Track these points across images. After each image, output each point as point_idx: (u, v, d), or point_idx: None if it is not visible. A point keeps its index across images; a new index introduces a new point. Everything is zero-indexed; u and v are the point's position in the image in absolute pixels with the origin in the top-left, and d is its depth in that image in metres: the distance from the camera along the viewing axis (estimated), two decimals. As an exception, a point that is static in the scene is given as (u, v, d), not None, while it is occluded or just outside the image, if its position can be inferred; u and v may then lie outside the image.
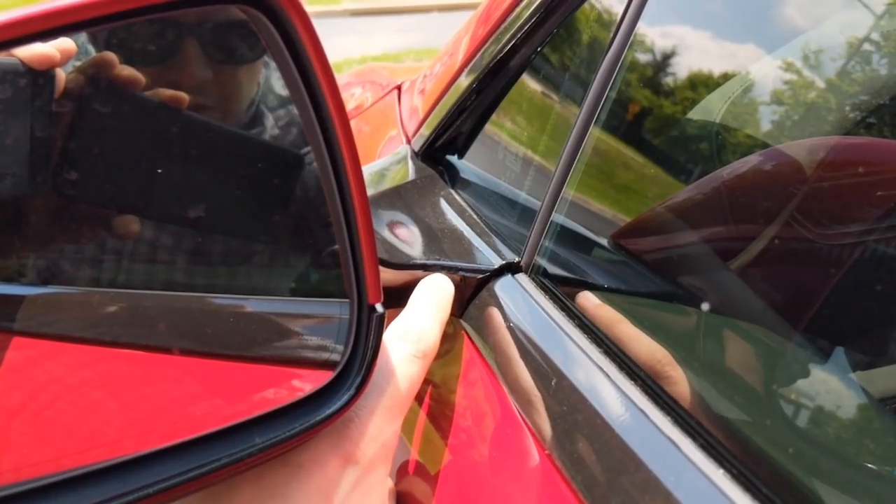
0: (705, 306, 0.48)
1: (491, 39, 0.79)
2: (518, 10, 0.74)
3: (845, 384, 0.44)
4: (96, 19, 0.36)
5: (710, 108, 0.53)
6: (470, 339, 0.60)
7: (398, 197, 0.76)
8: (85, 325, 0.48)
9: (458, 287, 0.60)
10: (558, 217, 0.58)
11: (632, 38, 0.56)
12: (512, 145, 0.77)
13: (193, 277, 0.50)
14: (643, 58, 0.57)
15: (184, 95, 0.44)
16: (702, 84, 0.54)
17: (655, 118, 0.57)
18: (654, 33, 0.57)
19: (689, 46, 0.55)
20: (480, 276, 0.61)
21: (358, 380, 0.45)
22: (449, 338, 0.61)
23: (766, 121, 0.52)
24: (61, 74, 0.41)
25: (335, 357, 0.46)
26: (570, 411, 0.46)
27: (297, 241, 0.51)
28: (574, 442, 0.44)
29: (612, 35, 0.58)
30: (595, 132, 0.57)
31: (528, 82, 0.77)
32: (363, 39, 6.97)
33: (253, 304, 0.52)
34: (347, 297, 0.46)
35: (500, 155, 0.79)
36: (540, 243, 0.59)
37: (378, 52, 6.33)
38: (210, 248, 0.48)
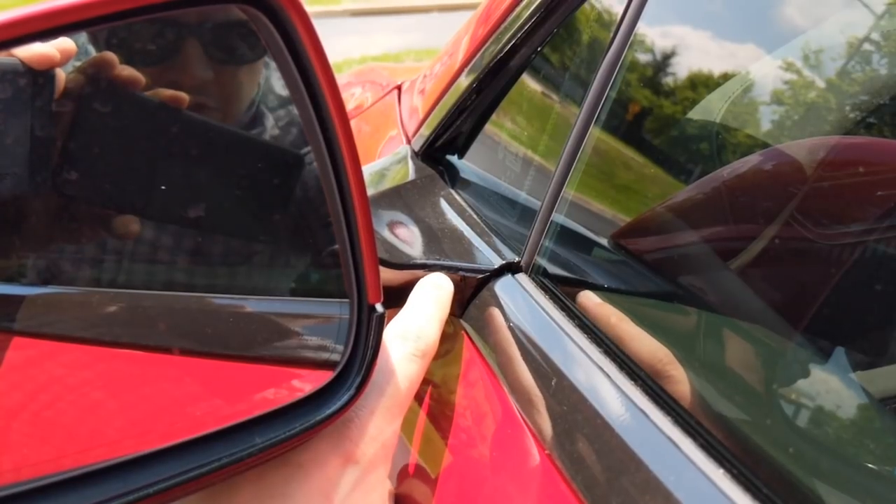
0: (705, 306, 0.48)
1: (491, 39, 0.79)
2: (518, 10, 0.74)
3: (845, 384, 0.44)
4: (96, 19, 0.36)
5: (710, 108, 0.53)
6: (470, 339, 0.60)
7: (398, 197, 0.76)
8: (85, 326, 0.48)
9: (459, 287, 0.60)
10: (558, 217, 0.58)
11: (632, 38, 0.56)
12: (512, 145, 0.77)
13: (193, 277, 0.50)
14: (643, 58, 0.57)
15: (184, 95, 0.44)
16: (702, 84, 0.54)
17: (655, 118, 0.57)
18: (654, 33, 0.57)
19: (689, 46, 0.55)
20: (480, 275, 0.61)
21: (358, 380, 0.45)
22: (449, 338, 0.61)
23: (766, 121, 0.52)
24: (61, 74, 0.41)
25: (335, 357, 0.46)
26: (571, 411, 0.46)
27: (297, 241, 0.51)
28: (574, 442, 0.44)
29: (612, 35, 0.58)
30: (595, 132, 0.57)
31: (528, 82, 0.77)
32: (363, 39, 6.97)
33: (253, 304, 0.52)
34: (347, 296, 0.46)
35: (500, 155, 0.79)
36: (540, 243, 0.59)
37: (378, 53, 6.33)
38: (210, 248, 0.48)
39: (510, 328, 0.55)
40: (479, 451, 0.54)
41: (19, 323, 0.46)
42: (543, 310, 0.55)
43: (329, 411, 0.44)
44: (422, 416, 0.62)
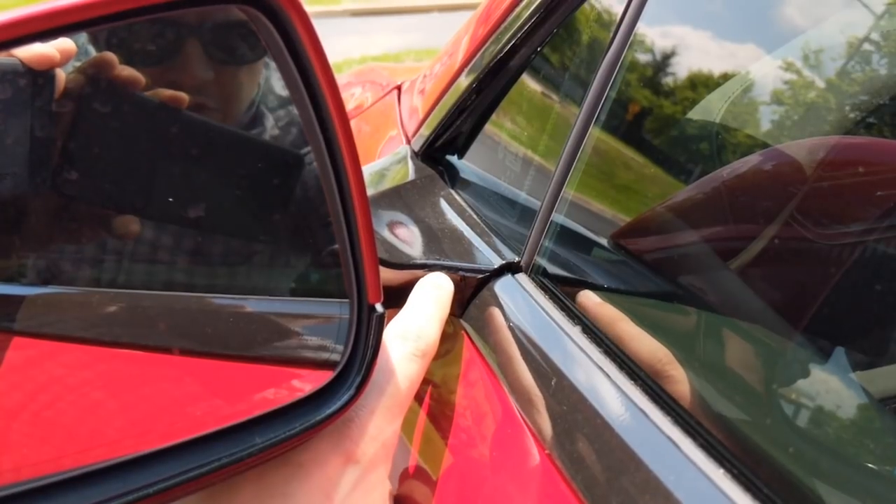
0: (705, 306, 0.48)
1: (491, 39, 0.79)
2: (518, 9, 0.74)
3: (845, 384, 0.44)
4: (96, 19, 0.36)
5: (710, 108, 0.53)
6: (470, 339, 0.60)
7: (398, 197, 0.76)
8: (85, 326, 0.48)
9: (458, 287, 0.60)
10: (558, 217, 0.58)
11: (632, 38, 0.56)
12: (512, 145, 0.77)
13: (193, 277, 0.50)
14: (643, 58, 0.57)
15: (184, 95, 0.44)
16: (702, 84, 0.54)
17: (655, 118, 0.57)
18: (654, 33, 0.57)
19: (689, 46, 0.55)
20: (480, 275, 0.61)
21: (358, 379, 0.45)
22: (449, 338, 0.61)
23: (765, 121, 0.52)
24: (61, 74, 0.41)
25: (335, 357, 0.46)
26: (571, 411, 0.46)
27: (297, 240, 0.51)
28: (574, 442, 0.44)
29: (611, 35, 0.58)
30: (595, 132, 0.57)
31: (528, 82, 0.77)
32: (363, 39, 6.97)
33: (253, 304, 0.52)
34: (347, 296, 0.46)
35: (500, 155, 0.79)
36: (540, 243, 0.59)
37: (378, 53, 6.33)
38: (210, 248, 0.48)
39: (510, 328, 0.55)
40: (479, 450, 0.54)
41: (19, 323, 0.46)
42: (543, 310, 0.55)
43: (329, 411, 0.44)
44: (422, 416, 0.62)
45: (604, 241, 0.58)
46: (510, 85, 0.78)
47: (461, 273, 0.61)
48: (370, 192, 0.68)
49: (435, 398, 0.62)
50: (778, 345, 0.45)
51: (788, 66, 0.49)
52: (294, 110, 0.44)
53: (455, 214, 0.71)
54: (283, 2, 0.40)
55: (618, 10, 0.59)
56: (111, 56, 0.42)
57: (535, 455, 0.47)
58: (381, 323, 0.46)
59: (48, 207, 0.42)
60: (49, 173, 0.41)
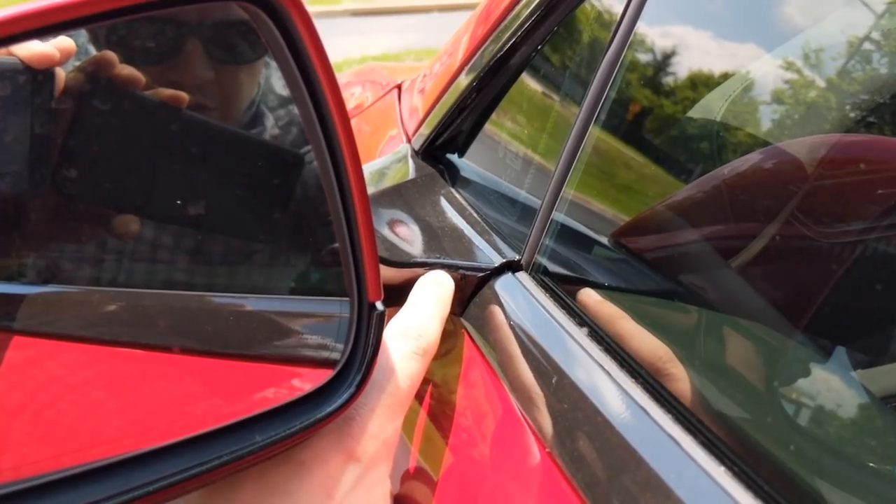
0: (706, 304, 0.48)
1: (491, 38, 0.79)
2: (518, 9, 0.74)
3: (846, 382, 0.44)
4: (95, 16, 0.36)
5: (711, 108, 0.53)
6: (470, 337, 0.60)
7: (398, 195, 0.76)
8: (85, 325, 0.48)
9: (459, 286, 0.60)
10: (559, 215, 0.58)
11: (632, 37, 0.56)
12: (512, 144, 0.77)
13: (193, 276, 0.50)
14: (643, 57, 0.57)
15: (184, 95, 0.44)
16: (702, 83, 0.54)
17: (655, 117, 0.57)
18: (654, 33, 0.57)
19: (689, 46, 0.55)
20: (481, 274, 0.61)
21: (358, 378, 0.45)
22: (449, 336, 0.61)
23: (766, 119, 0.52)
24: (61, 73, 0.41)
25: (335, 355, 0.46)
26: (571, 409, 0.46)
27: (298, 239, 0.51)
28: (575, 440, 0.44)
29: (611, 34, 0.58)
30: (595, 131, 0.57)
31: (528, 81, 0.77)
32: (363, 39, 6.97)
33: (253, 303, 0.52)
34: (348, 295, 0.46)
35: (500, 154, 0.79)
36: (540, 242, 0.59)
37: (378, 52, 6.33)
38: (210, 247, 0.48)
39: (511, 326, 0.55)
40: (479, 449, 0.54)
41: (19, 322, 0.46)
42: (544, 308, 0.55)
43: (329, 409, 0.44)
44: (422, 415, 0.62)
45: (604, 240, 0.58)
46: (510, 84, 0.78)
47: (461, 271, 0.61)
48: (370, 190, 0.68)
49: (435, 397, 0.62)
50: (779, 343, 0.45)
51: (789, 65, 0.49)
52: (294, 109, 0.44)
53: (455, 213, 0.71)
54: (284, 0, 0.40)
55: (618, 9, 0.59)
56: (111, 55, 0.42)
57: (536, 453, 0.47)
58: (381, 321, 0.46)
59: (48, 206, 0.42)
60: (49, 172, 0.41)
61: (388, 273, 0.59)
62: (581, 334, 0.50)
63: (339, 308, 0.47)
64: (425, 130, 0.87)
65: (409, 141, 0.93)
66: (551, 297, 0.56)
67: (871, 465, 0.40)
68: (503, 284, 0.60)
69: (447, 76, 0.87)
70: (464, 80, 0.82)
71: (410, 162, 0.86)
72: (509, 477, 0.49)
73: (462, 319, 0.61)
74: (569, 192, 0.58)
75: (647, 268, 0.55)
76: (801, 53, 0.48)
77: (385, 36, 7.23)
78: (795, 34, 0.49)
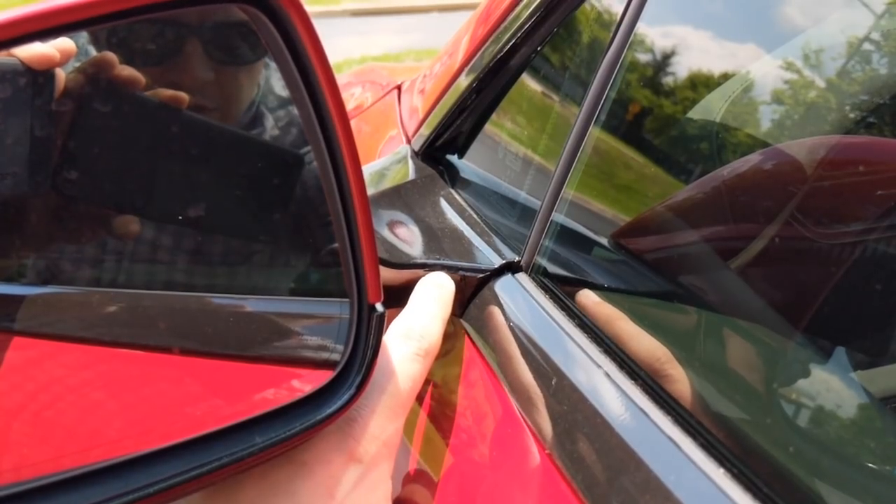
0: (706, 305, 0.48)
1: (491, 39, 0.79)
2: (518, 9, 0.74)
3: (846, 383, 0.44)
4: (96, 18, 0.36)
5: (710, 108, 0.53)
6: (470, 338, 0.60)
7: (398, 196, 0.76)
8: (85, 325, 0.48)
9: (459, 287, 0.60)
10: (558, 216, 0.58)
11: (632, 37, 0.56)
12: (512, 145, 0.77)
13: (193, 277, 0.50)
14: (643, 58, 0.57)
15: (184, 95, 0.44)
16: (702, 84, 0.54)
17: (655, 118, 0.57)
18: (654, 33, 0.57)
19: (689, 46, 0.55)
20: (481, 275, 0.61)
21: (358, 379, 0.45)
22: (449, 338, 0.61)
23: (766, 120, 0.52)
24: (61, 74, 0.41)
25: (335, 357, 0.46)
26: (571, 410, 0.46)
27: (297, 240, 0.51)
28: (574, 441, 0.44)
29: (611, 35, 0.58)
30: (595, 132, 0.57)
31: (528, 82, 0.77)
32: (363, 39, 6.97)
33: (253, 304, 0.52)
34: (347, 296, 0.46)
35: (500, 154, 0.79)
36: (540, 243, 0.59)
37: (378, 53, 6.33)
38: (210, 248, 0.48)
39: (510, 328, 0.55)
40: (479, 450, 0.54)
41: (19, 323, 0.46)
42: (543, 309, 0.55)
43: (329, 411, 0.44)
44: (422, 416, 0.62)
45: (604, 241, 0.58)
46: (510, 85, 0.78)
47: (461, 273, 0.61)
48: (370, 191, 0.68)
49: (435, 398, 0.62)
50: (778, 344, 0.45)
51: (788, 66, 0.49)
52: (294, 110, 0.44)
53: (455, 214, 0.72)
54: (283, 1, 0.40)
55: (618, 9, 0.59)
56: (111, 56, 0.42)
57: (536, 455, 0.47)
58: (381, 322, 0.46)
59: (48, 207, 0.42)
60: (49, 173, 0.41)
61: (387, 274, 0.59)
62: (581, 336, 0.50)
63: (339, 309, 0.47)
64: (425, 131, 0.87)
65: (408, 142, 0.93)
66: (551, 298, 0.56)
67: (870, 466, 0.40)
68: (503, 286, 0.60)
69: (447, 77, 0.87)
70: (464, 81, 0.82)
71: (410, 163, 0.86)
72: (509, 478, 0.49)
73: (462, 320, 0.61)
74: (569, 192, 0.58)
75: (647, 269, 0.55)
76: (801, 54, 0.48)
77: (385, 36, 7.23)
78: (795, 35, 0.49)
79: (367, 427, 0.46)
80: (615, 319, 0.51)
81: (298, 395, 0.45)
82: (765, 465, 0.38)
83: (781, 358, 0.45)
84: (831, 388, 0.43)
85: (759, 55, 0.52)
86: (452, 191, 0.77)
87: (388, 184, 0.82)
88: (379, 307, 0.46)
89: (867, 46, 0.46)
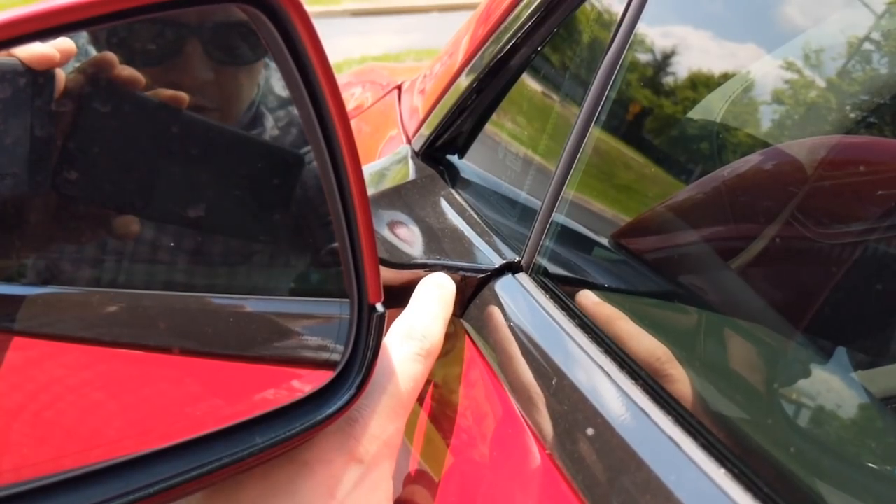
0: (706, 306, 0.48)
1: (491, 39, 0.79)
2: (518, 9, 0.74)
3: (846, 383, 0.44)
4: (96, 18, 0.36)
5: (711, 108, 0.53)
6: (471, 338, 0.60)
7: (398, 196, 0.76)
8: (85, 326, 0.48)
9: (459, 287, 0.60)
10: (559, 217, 0.58)
11: (632, 38, 0.56)
12: (512, 145, 0.77)
13: (193, 277, 0.50)
14: (643, 58, 0.57)
15: (184, 95, 0.44)
16: (702, 84, 0.54)
17: (656, 118, 0.57)
18: (654, 33, 0.57)
19: (690, 46, 0.55)
20: (481, 275, 0.61)
21: (359, 379, 0.45)
22: (450, 338, 0.61)
23: (766, 120, 0.52)
24: (61, 74, 0.41)
25: (335, 357, 0.46)
26: (571, 411, 0.46)
27: (298, 240, 0.51)
28: (575, 441, 0.44)
29: (612, 35, 0.58)
30: (595, 132, 0.57)
31: (529, 82, 0.77)
32: (363, 39, 6.97)
33: (253, 304, 0.52)
34: (348, 296, 0.46)
35: (500, 155, 0.79)
36: (540, 243, 0.59)
37: (378, 53, 6.33)
38: (210, 248, 0.48)
39: (511, 328, 0.55)
40: (480, 451, 0.54)
41: (19, 323, 0.46)
42: (544, 309, 0.55)
43: (329, 411, 0.44)
44: (423, 416, 0.62)
45: (604, 241, 0.58)
46: (510, 85, 0.78)
47: (462, 273, 0.61)
48: (370, 191, 0.68)
49: (436, 398, 0.62)
50: (779, 344, 0.45)
51: (789, 66, 0.48)
52: (294, 110, 0.44)
53: (455, 214, 0.71)
54: (283, 1, 0.40)
55: (618, 9, 0.59)
56: (111, 56, 0.42)
57: (536, 455, 0.47)
58: (381, 323, 0.46)
59: (48, 207, 0.42)
60: (49, 173, 0.41)
61: (388, 274, 0.59)
62: (581, 336, 0.50)
63: (339, 309, 0.47)
64: (425, 131, 0.87)
65: (409, 142, 0.93)
66: (551, 298, 0.56)
67: (871, 466, 0.40)
68: (503, 286, 0.60)
69: (447, 77, 0.87)
70: (464, 81, 0.82)
71: (410, 163, 0.86)
72: (509, 478, 0.49)
73: (462, 321, 0.61)
74: (569, 192, 0.58)
75: (648, 269, 0.55)
76: (802, 54, 0.48)
77: (385, 36, 7.23)
78: (796, 35, 0.49)
79: (368, 427, 0.46)
80: (615, 319, 0.51)
81: (299, 396, 0.45)
82: (765, 466, 0.38)
83: (782, 358, 0.45)
84: (832, 388, 0.43)
85: (760, 55, 0.52)
86: (453, 191, 0.77)
87: (388, 184, 0.82)
88: (379, 307, 0.46)
89: (867, 46, 0.46)
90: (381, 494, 0.47)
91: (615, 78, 0.56)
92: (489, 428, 0.54)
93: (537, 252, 0.60)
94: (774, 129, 0.50)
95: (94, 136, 0.42)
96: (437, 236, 0.67)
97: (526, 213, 0.66)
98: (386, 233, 0.68)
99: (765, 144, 0.50)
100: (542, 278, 0.59)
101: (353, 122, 0.62)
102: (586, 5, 0.68)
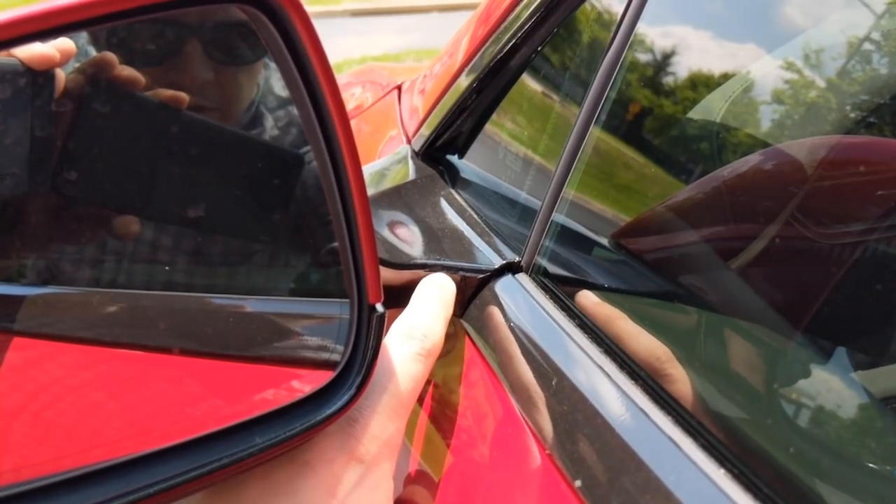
0: (706, 306, 0.48)
1: (491, 39, 0.79)
2: (518, 9, 0.74)
3: (846, 384, 0.44)
4: (96, 19, 0.36)
5: (711, 108, 0.53)
6: (471, 339, 0.60)
7: (398, 197, 0.76)
8: (85, 326, 0.48)
9: (459, 287, 0.60)
10: (559, 217, 0.58)
11: (632, 37, 0.56)
12: (512, 145, 0.77)
13: (193, 277, 0.50)
14: (643, 58, 0.57)
15: (184, 95, 0.44)
16: (702, 84, 0.54)
17: (656, 118, 0.57)
18: (654, 33, 0.57)
19: (690, 46, 0.55)
20: (481, 275, 0.61)
21: (358, 380, 0.45)
22: (450, 338, 0.61)
23: (766, 120, 0.52)
24: (61, 74, 0.41)
25: (335, 357, 0.46)
26: (571, 411, 0.46)
27: (297, 240, 0.51)
28: (575, 442, 0.44)
29: (612, 35, 0.57)
30: (595, 132, 0.57)
31: (529, 82, 0.77)
32: (363, 40, 6.97)
33: (253, 304, 0.52)
34: (347, 296, 0.46)
35: (500, 155, 0.79)
36: (540, 243, 0.59)
37: (378, 53, 6.33)
38: (210, 248, 0.48)
39: (511, 328, 0.55)
40: (480, 451, 0.54)
41: (19, 323, 0.46)
42: (544, 309, 0.55)
43: (329, 411, 0.44)
44: (423, 416, 0.62)
45: (604, 241, 0.58)
46: (510, 85, 0.78)
47: (462, 273, 0.61)
48: (370, 191, 0.68)
49: (436, 398, 0.62)
50: (779, 344, 0.45)
51: (789, 66, 0.48)
52: (293, 110, 0.44)
53: (455, 214, 0.71)
54: (283, 1, 0.40)
55: (618, 9, 0.59)
56: (111, 56, 0.42)
57: (536, 455, 0.47)
58: (381, 323, 0.46)
59: (48, 208, 0.42)
60: (49, 173, 0.41)
61: (387, 275, 0.59)
62: (581, 336, 0.50)
63: (339, 309, 0.47)
64: (425, 131, 0.87)
65: (409, 142, 0.93)
66: (551, 298, 0.56)
67: (871, 466, 0.40)
68: (503, 286, 0.60)
69: (447, 77, 0.87)
70: (464, 81, 0.82)
71: (410, 163, 0.86)
72: (509, 478, 0.49)
73: (462, 321, 0.61)
74: (569, 192, 0.58)
75: (647, 269, 0.55)
76: (802, 54, 0.48)
77: (385, 36, 7.23)
78: (795, 35, 0.49)
79: (369, 427, 0.46)
80: (615, 319, 0.51)
81: (298, 396, 0.45)
82: (765, 466, 0.38)
83: (782, 358, 0.45)
84: (832, 388, 0.43)
85: (760, 55, 0.52)
86: (453, 191, 0.77)
87: (388, 184, 0.82)
88: (379, 307, 0.46)
89: (867, 46, 0.46)
90: (381, 494, 0.47)
91: (615, 78, 0.56)
92: (489, 428, 0.54)
93: (537, 252, 0.60)
94: (774, 129, 0.50)
95: (93, 137, 0.42)
96: (437, 236, 0.67)
97: (526, 214, 0.66)
98: (386, 233, 0.68)
99: (765, 144, 0.50)
100: (542, 278, 0.59)
101: (353, 122, 0.62)
102: (586, 5, 0.68)
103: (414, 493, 0.57)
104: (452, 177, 0.81)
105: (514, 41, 0.73)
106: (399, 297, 0.57)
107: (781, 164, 0.48)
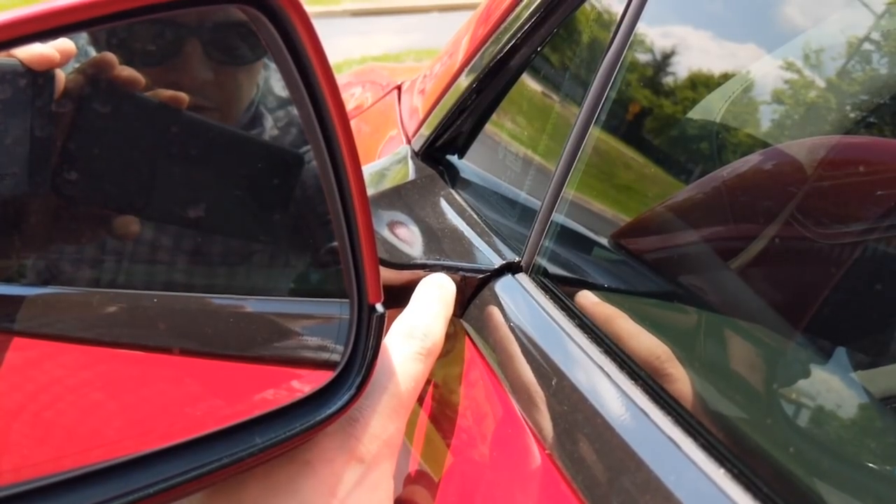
0: (706, 306, 0.48)
1: (491, 39, 0.79)
2: (518, 9, 0.74)
3: (846, 383, 0.44)
4: (96, 19, 0.36)
5: (711, 108, 0.53)
6: (470, 339, 0.60)
7: (398, 197, 0.76)
8: (85, 326, 0.48)
9: (459, 287, 0.60)
10: (558, 217, 0.58)
11: (632, 38, 0.56)
12: (512, 145, 0.77)
13: (193, 278, 0.50)
14: (643, 58, 0.57)
15: (184, 96, 0.44)
16: (702, 84, 0.54)
17: (655, 118, 0.57)
18: (654, 33, 0.57)
19: (690, 46, 0.55)
20: (481, 275, 0.61)
21: (358, 380, 0.45)
22: (450, 338, 0.61)
23: (766, 120, 0.52)
24: (61, 75, 0.41)
25: (335, 357, 0.46)
26: (571, 411, 0.46)
27: (297, 240, 0.51)
28: (575, 442, 0.44)
29: (611, 35, 0.58)
30: (595, 132, 0.57)
31: (528, 82, 0.77)
32: (363, 40, 6.97)
33: (253, 305, 0.52)
34: (347, 296, 0.46)
35: (500, 155, 0.79)
36: (540, 243, 0.59)
37: (378, 53, 6.33)
38: (210, 249, 0.48)
39: (511, 328, 0.55)
40: (480, 451, 0.54)
41: (19, 323, 0.46)
42: (544, 310, 0.55)
43: (329, 411, 0.44)
44: (423, 416, 0.62)
45: (604, 241, 0.58)
46: (510, 85, 0.78)
47: (462, 273, 0.61)
48: (370, 191, 0.68)
49: (436, 398, 0.62)
50: (778, 344, 0.45)
51: (789, 66, 0.48)
52: (293, 111, 0.44)
53: (455, 214, 0.71)
54: (283, 2, 0.40)
55: (618, 9, 0.59)
56: (111, 56, 0.42)
57: (536, 455, 0.47)
58: (381, 323, 0.46)
59: (48, 208, 0.42)
60: (49, 174, 0.41)
61: (387, 275, 0.59)
62: (581, 336, 0.50)
63: (339, 310, 0.47)
64: (425, 131, 0.87)
65: (408, 142, 0.93)
66: (551, 298, 0.56)
67: (870, 466, 0.40)
68: (503, 286, 0.60)
69: (447, 77, 0.87)
70: (464, 81, 0.82)
71: (410, 163, 0.86)
72: (509, 478, 0.49)
73: (462, 321, 0.61)
74: (569, 193, 0.58)
75: (647, 269, 0.55)
76: (802, 54, 0.48)
77: (385, 36, 7.23)
78: (795, 35, 0.49)
79: (369, 426, 0.46)
80: (615, 318, 0.51)
81: (298, 396, 0.45)
82: (765, 466, 0.38)
83: (782, 358, 0.45)
84: (832, 388, 0.43)
85: (760, 55, 0.52)
86: (452, 191, 0.77)
87: (388, 184, 0.82)
88: (379, 307, 0.46)
89: (867, 46, 0.46)
90: (381, 494, 0.47)
91: (615, 78, 0.56)
92: (489, 428, 0.54)
93: (537, 252, 0.60)
94: (774, 129, 0.50)
95: (93, 137, 0.42)
96: (436, 236, 0.67)
97: (526, 214, 0.66)
98: (386, 233, 0.68)
99: (765, 144, 0.50)
100: (542, 278, 0.59)
101: (353, 122, 0.62)
102: (586, 5, 0.68)
103: (414, 492, 0.57)
104: (452, 177, 0.81)
105: (514, 41, 0.73)
106: (399, 297, 0.57)
107: (781, 164, 0.48)
